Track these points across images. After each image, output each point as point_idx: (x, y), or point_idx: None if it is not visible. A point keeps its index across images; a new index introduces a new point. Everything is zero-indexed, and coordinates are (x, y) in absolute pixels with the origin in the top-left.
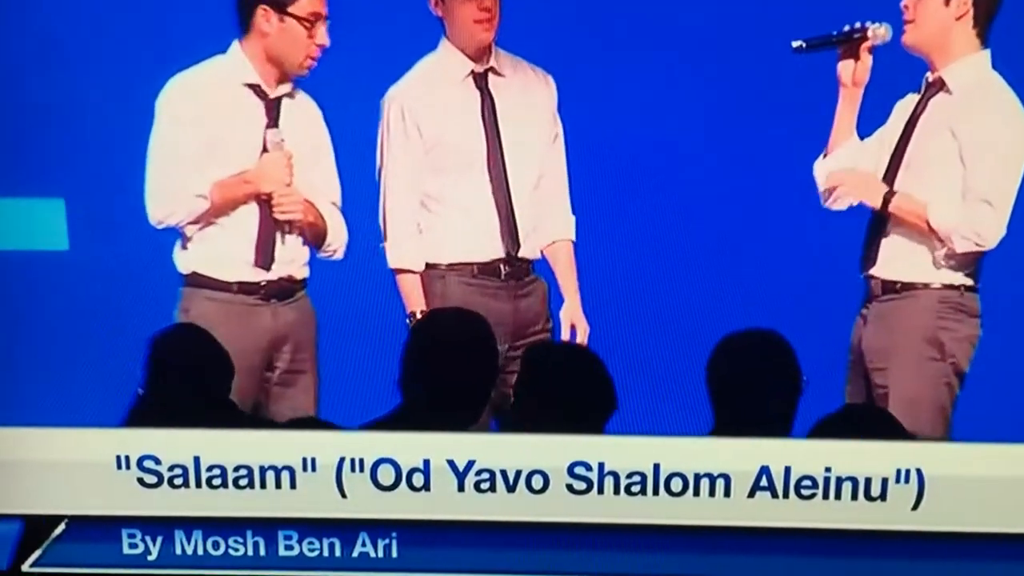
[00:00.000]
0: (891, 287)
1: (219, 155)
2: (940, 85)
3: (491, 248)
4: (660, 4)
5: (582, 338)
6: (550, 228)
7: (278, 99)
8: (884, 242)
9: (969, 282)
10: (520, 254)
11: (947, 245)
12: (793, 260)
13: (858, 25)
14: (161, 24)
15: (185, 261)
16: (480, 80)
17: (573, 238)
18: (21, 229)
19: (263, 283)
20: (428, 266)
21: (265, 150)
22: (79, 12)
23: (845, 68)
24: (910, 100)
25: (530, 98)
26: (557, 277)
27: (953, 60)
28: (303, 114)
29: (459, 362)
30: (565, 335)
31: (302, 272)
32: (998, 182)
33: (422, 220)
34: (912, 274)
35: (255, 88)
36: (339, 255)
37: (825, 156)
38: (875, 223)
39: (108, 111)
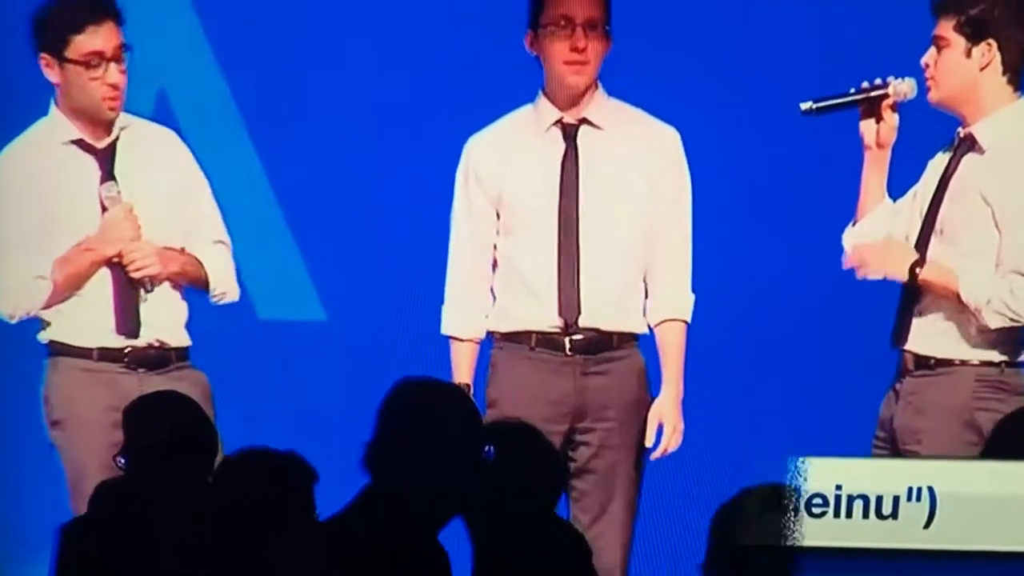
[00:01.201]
0: (924, 362)
1: (59, 228)
2: (971, 142)
3: (547, 317)
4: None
5: (668, 441)
6: (659, 303)
7: (111, 147)
8: (917, 314)
9: (1008, 358)
10: (583, 323)
11: (980, 319)
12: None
13: (878, 81)
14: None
15: (44, 331)
16: (569, 131)
17: (686, 319)
18: None
19: (127, 349)
20: (493, 335)
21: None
22: None
23: (868, 129)
24: (941, 159)
25: (634, 154)
26: (660, 361)
27: (985, 114)
28: (158, 151)
29: (431, 443)
30: (650, 436)
31: (177, 339)
32: None
33: (494, 284)
34: (947, 350)
35: (80, 143)
36: (231, 297)
37: (855, 223)
38: (908, 294)
39: None
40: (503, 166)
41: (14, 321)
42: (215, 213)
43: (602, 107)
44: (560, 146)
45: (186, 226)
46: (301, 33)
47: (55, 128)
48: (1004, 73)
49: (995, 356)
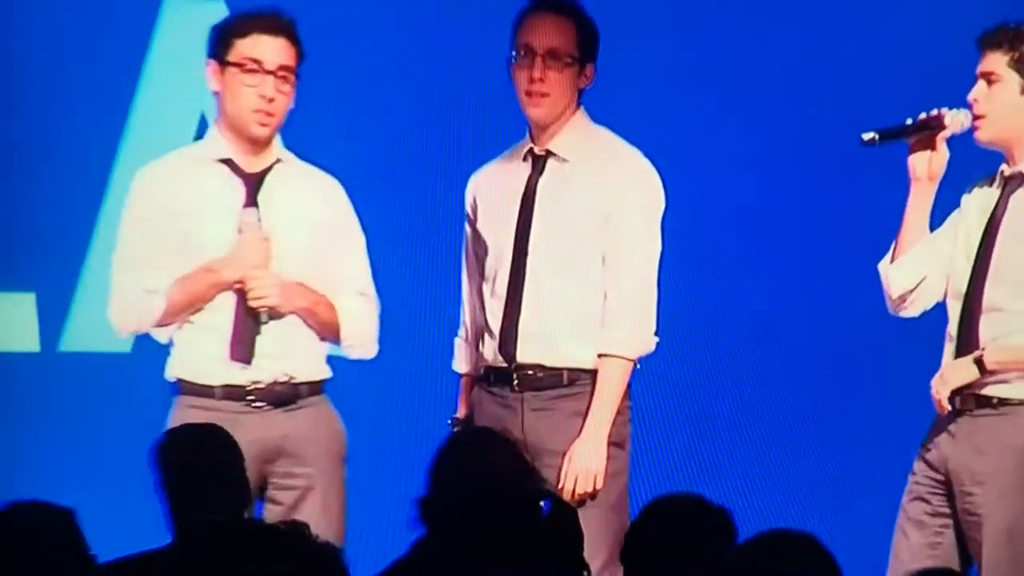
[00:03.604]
0: (987, 402)
1: (191, 247)
2: (1020, 180)
3: (495, 352)
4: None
5: (579, 484)
6: (600, 337)
7: (262, 174)
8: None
9: None
10: (521, 359)
11: None
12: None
13: (935, 112)
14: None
15: (170, 367)
16: (538, 163)
17: (624, 356)
18: None
19: (249, 386)
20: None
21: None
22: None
23: (919, 160)
24: (985, 196)
25: (590, 187)
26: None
27: None
28: (311, 194)
29: (486, 496)
30: (563, 478)
31: (308, 372)
32: None
33: None
34: (1008, 389)
35: (229, 164)
36: (359, 353)
37: (893, 260)
38: (963, 337)
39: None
40: (478, 199)
41: (124, 336)
42: (363, 269)
43: (574, 137)
44: (525, 176)
45: (328, 277)
46: (347, 78)
47: (208, 146)
48: None
49: None
